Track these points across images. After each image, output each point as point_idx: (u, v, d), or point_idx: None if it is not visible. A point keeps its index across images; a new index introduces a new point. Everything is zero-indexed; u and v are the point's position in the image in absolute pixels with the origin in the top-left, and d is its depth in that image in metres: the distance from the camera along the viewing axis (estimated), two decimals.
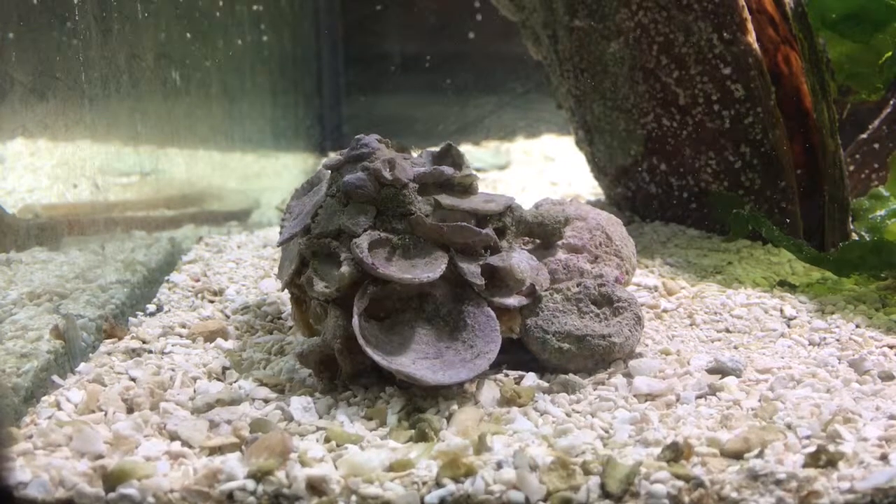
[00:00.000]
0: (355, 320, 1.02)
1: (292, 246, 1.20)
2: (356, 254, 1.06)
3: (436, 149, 1.22)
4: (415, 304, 1.09)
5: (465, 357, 1.05)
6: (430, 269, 1.07)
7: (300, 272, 1.13)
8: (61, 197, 1.24)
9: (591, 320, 1.14)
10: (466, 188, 1.17)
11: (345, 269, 1.06)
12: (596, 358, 1.12)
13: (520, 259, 1.14)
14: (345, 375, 1.08)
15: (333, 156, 1.22)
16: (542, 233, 1.21)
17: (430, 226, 1.09)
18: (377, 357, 1.01)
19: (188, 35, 1.90)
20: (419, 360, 1.03)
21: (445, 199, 1.13)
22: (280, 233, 1.37)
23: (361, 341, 1.01)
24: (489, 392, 1.06)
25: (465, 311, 1.09)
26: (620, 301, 1.15)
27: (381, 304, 1.08)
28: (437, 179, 1.15)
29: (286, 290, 1.21)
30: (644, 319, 1.18)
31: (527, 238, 1.23)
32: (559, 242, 1.23)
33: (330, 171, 1.20)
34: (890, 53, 1.68)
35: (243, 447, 0.93)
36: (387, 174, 1.11)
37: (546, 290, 1.15)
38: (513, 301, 1.12)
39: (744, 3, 1.62)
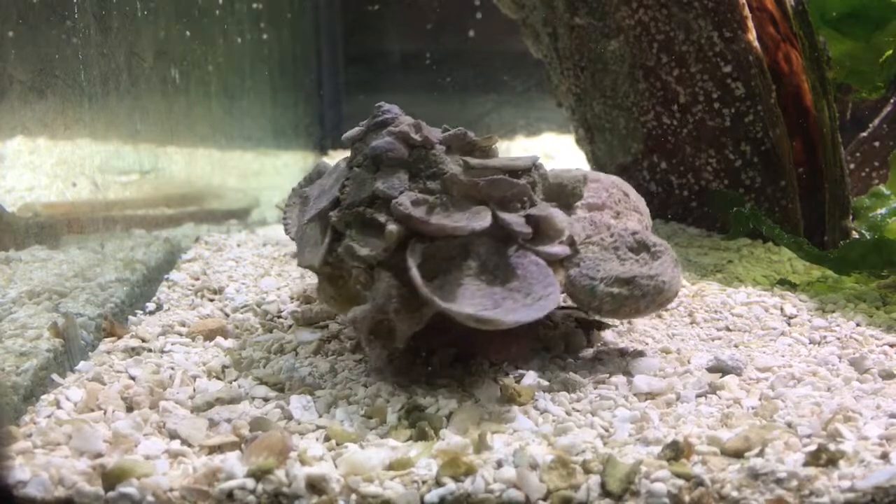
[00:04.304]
0: (414, 272, 0.99)
1: (309, 231, 1.18)
2: (401, 212, 1.03)
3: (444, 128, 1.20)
4: (459, 262, 1.06)
5: (527, 302, 1.01)
6: (478, 220, 1.04)
7: (333, 249, 1.10)
8: (61, 195, 1.24)
9: (633, 265, 1.13)
10: (487, 152, 1.16)
11: (392, 227, 1.03)
12: (647, 299, 1.11)
13: (556, 210, 1.12)
14: (398, 339, 1.04)
15: (351, 131, 1.19)
16: (562, 193, 1.18)
17: (466, 182, 1.06)
18: (446, 305, 0.98)
19: (188, 33, 1.90)
20: (480, 312, 1.00)
21: (473, 160, 1.12)
22: (285, 227, 1.36)
23: (426, 290, 0.98)
24: (489, 390, 1.05)
25: (511, 264, 1.05)
26: (656, 245, 1.15)
27: (426, 265, 1.05)
28: (460, 142, 1.13)
29: (306, 273, 1.17)
30: (680, 264, 1.17)
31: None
32: (579, 203, 1.21)
33: (352, 144, 1.16)
34: (890, 52, 1.68)
35: (243, 446, 0.93)
36: (416, 136, 1.09)
37: (581, 244, 1.14)
38: (558, 249, 1.09)
39: (744, 1, 1.62)
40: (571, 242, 1.11)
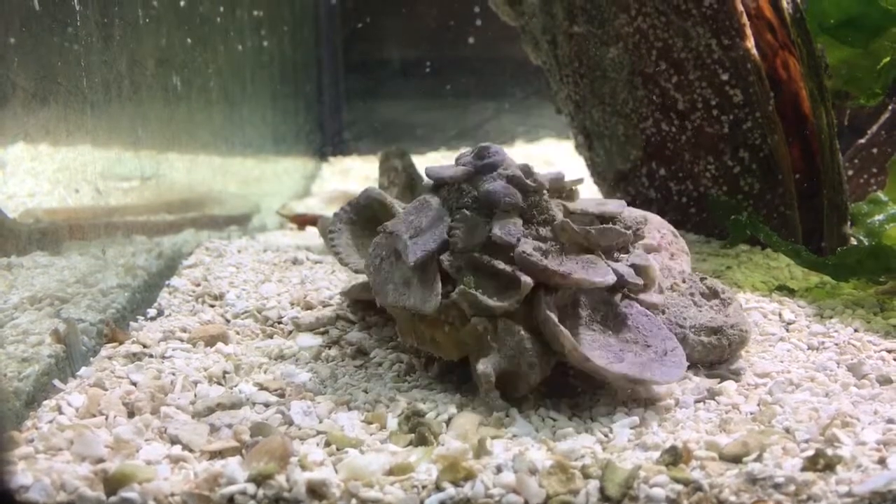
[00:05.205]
0: (563, 329, 0.99)
1: (391, 268, 1.11)
2: (530, 262, 1.02)
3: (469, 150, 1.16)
4: (571, 311, 1.05)
5: (651, 356, 1.02)
6: (603, 273, 1.03)
7: (446, 294, 1.05)
8: (62, 201, 1.24)
9: (709, 311, 1.14)
10: (571, 194, 1.15)
11: (526, 279, 1.02)
12: (732, 347, 1.14)
13: (653, 258, 1.12)
14: (522, 390, 1.03)
15: (454, 166, 1.13)
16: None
17: (577, 230, 1.06)
18: (603, 365, 0.98)
19: (189, 41, 1.90)
20: (635, 374, 1.00)
21: (572, 205, 1.11)
22: (337, 255, 1.31)
23: (582, 352, 0.98)
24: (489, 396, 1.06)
25: (620, 314, 1.06)
26: (725, 292, 1.17)
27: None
28: (559, 186, 1.12)
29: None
30: None
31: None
32: (638, 244, 1.19)
33: (454, 184, 1.11)
34: (888, 58, 1.68)
35: (244, 451, 0.93)
36: (529, 181, 1.08)
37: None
38: (657, 299, 1.09)
39: (742, 9, 1.63)
40: (661, 290, 1.12)
